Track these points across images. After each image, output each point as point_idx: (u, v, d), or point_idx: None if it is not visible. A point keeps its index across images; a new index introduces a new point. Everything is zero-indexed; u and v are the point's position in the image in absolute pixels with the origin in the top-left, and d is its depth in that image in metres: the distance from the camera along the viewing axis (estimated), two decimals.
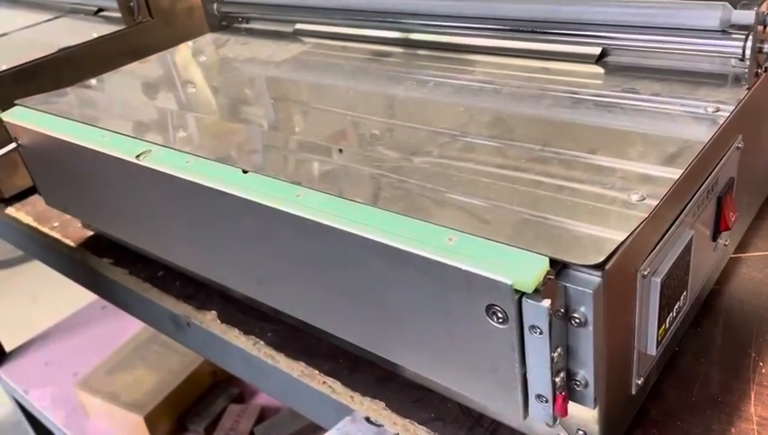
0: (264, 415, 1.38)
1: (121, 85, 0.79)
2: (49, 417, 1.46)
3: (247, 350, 0.64)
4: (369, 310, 0.47)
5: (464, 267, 0.38)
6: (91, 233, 0.85)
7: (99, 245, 0.82)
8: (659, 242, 0.44)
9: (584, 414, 0.44)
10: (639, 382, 0.47)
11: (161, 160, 0.56)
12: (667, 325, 0.47)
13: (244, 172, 0.52)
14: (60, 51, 0.94)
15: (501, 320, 0.38)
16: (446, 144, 0.53)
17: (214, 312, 0.68)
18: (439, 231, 0.42)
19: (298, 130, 0.61)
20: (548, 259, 0.37)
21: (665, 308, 0.46)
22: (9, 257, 2.63)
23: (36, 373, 1.56)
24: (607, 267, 0.38)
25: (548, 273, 0.37)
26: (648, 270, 0.43)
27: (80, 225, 0.86)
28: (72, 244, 0.84)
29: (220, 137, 0.61)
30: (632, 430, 0.49)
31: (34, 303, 2.38)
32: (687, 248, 0.47)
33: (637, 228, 0.40)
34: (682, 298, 0.49)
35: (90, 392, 1.38)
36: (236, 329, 0.66)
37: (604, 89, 0.59)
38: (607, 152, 0.49)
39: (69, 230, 0.87)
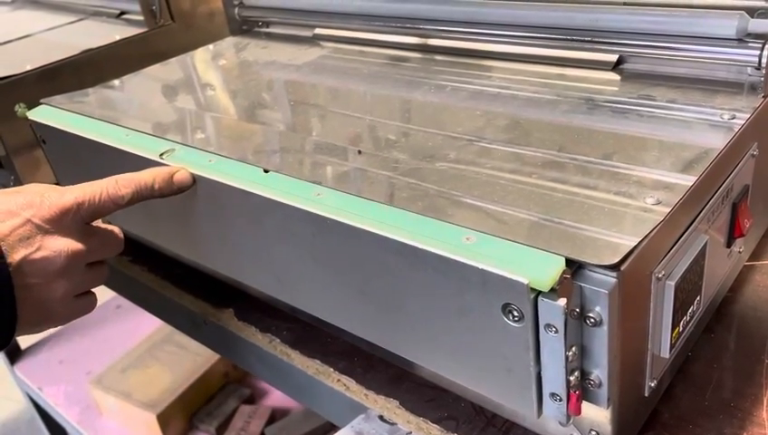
0: (274, 416, 1.39)
1: (144, 86, 0.81)
2: (62, 414, 1.48)
3: (263, 347, 0.65)
4: (386, 308, 0.47)
5: (481, 266, 0.39)
6: None
7: None
8: (674, 246, 0.45)
9: (597, 415, 0.45)
10: (652, 385, 0.47)
11: (184, 159, 0.57)
12: (681, 329, 0.48)
13: (265, 172, 0.53)
14: (82, 52, 0.95)
15: (517, 319, 0.39)
16: (463, 148, 0.54)
17: (231, 310, 0.70)
18: (457, 230, 0.43)
19: (317, 133, 0.62)
20: (564, 259, 0.38)
21: (679, 312, 0.46)
22: None
23: (50, 371, 1.58)
24: (622, 268, 0.38)
25: (564, 272, 0.37)
26: (663, 273, 0.43)
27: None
28: None
29: (241, 137, 0.62)
30: (644, 433, 0.50)
31: None
32: (702, 253, 0.47)
33: (652, 231, 0.41)
34: (696, 303, 0.49)
35: (103, 390, 1.39)
36: (253, 327, 0.67)
37: (620, 95, 0.60)
38: (622, 157, 0.49)
39: None
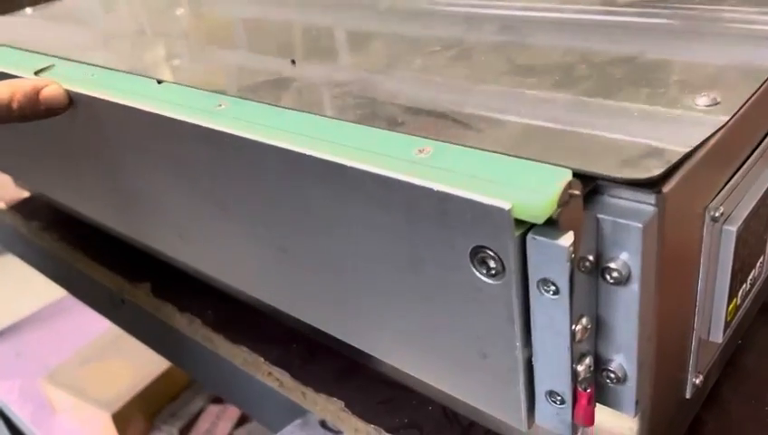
0: (245, 418, 1.24)
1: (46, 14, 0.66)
2: (15, 411, 1.34)
3: (182, 330, 0.51)
4: (312, 268, 0.33)
5: (436, 187, 0.24)
6: (27, 194, 0.72)
7: (31, 206, 0.70)
8: (735, 175, 0.30)
9: (617, 425, 0.30)
10: (697, 382, 0.33)
11: (64, 76, 0.43)
12: (739, 301, 0.33)
13: (159, 82, 0.39)
14: None
15: (494, 271, 0.24)
16: (436, 54, 0.40)
17: (148, 284, 0.55)
18: (406, 141, 0.28)
19: (238, 42, 0.48)
20: (570, 172, 0.23)
21: (738, 274, 0.31)
22: None
23: (6, 365, 1.44)
24: (665, 189, 0.24)
25: (570, 185, 0.23)
26: (722, 211, 0.28)
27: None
28: (2, 205, 0.71)
29: (139, 49, 0.48)
30: None
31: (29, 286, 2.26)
32: None
33: (710, 138, 0.26)
34: (758, 265, 0.34)
35: (56, 387, 1.25)
36: (170, 304, 0.52)
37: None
38: (659, 53, 0.35)
39: (3, 191, 0.74)
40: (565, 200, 0.22)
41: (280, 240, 0.34)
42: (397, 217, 0.26)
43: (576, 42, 0.38)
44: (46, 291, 1.55)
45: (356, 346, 0.34)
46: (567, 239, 0.23)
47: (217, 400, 1.28)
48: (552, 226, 0.23)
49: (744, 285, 0.33)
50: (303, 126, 0.31)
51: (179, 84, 0.38)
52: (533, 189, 0.23)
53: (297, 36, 0.48)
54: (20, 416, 1.33)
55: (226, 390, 0.51)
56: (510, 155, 0.25)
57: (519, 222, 0.23)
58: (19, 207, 0.70)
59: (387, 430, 0.39)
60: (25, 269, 0.77)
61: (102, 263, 0.59)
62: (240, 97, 0.35)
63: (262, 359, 0.46)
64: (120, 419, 1.19)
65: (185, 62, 0.44)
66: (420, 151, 0.27)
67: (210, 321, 0.50)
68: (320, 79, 0.37)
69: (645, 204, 0.24)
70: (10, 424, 1.49)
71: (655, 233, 0.24)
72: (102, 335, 1.38)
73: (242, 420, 1.24)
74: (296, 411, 0.44)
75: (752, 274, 0.34)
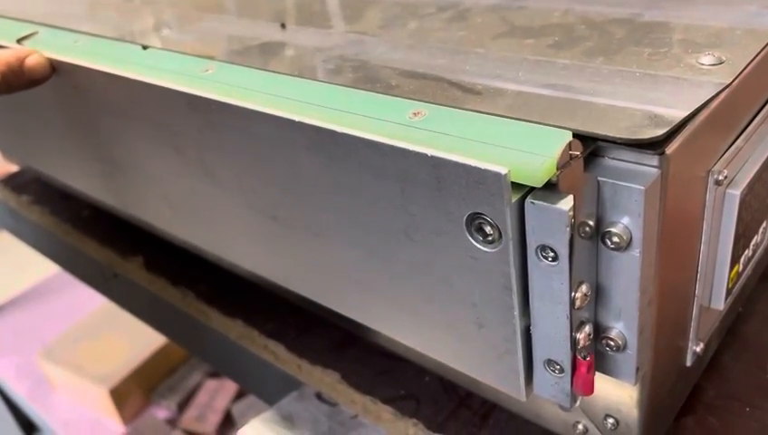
0: (242, 392, 1.24)
1: None
2: (13, 388, 1.34)
3: (175, 304, 0.50)
4: (305, 237, 0.32)
5: (430, 153, 0.23)
6: (16, 168, 0.71)
7: (20, 180, 0.68)
8: (739, 138, 0.29)
9: (618, 394, 0.30)
10: (698, 350, 0.32)
11: (48, 43, 0.42)
12: (741, 268, 0.32)
13: (144, 48, 0.37)
14: None
15: (490, 238, 0.23)
16: (431, 15, 0.38)
17: (140, 257, 0.54)
18: (400, 104, 0.27)
19: (226, 7, 0.46)
20: (570, 133, 0.23)
21: (740, 240, 0.31)
22: None
23: (2, 342, 1.44)
24: (668, 151, 0.23)
25: (570, 146, 0.22)
26: (725, 174, 0.28)
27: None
28: None
29: (125, 15, 0.46)
30: (682, 418, 0.35)
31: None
32: None
33: (714, 99, 0.25)
34: (761, 231, 0.34)
35: (53, 363, 1.25)
36: (163, 278, 0.52)
37: None
38: (659, 15, 0.33)
39: None
40: (565, 162, 0.22)
41: (271, 209, 0.33)
42: (390, 184, 0.25)
43: (575, 3, 0.37)
44: (41, 268, 1.54)
45: (351, 317, 0.33)
46: (567, 203, 0.22)
47: (215, 374, 1.29)
48: (551, 190, 0.22)
49: (747, 251, 0.33)
50: (293, 91, 0.30)
51: (165, 49, 0.37)
52: (532, 152, 0.22)
53: (288, 1, 0.46)
54: (18, 392, 1.33)
55: (221, 363, 0.50)
56: (507, 117, 0.24)
57: (517, 186, 0.22)
58: (8, 181, 0.69)
59: (383, 402, 0.39)
60: (19, 246, 0.77)
61: (94, 237, 0.58)
62: (227, 62, 0.34)
63: (256, 332, 0.45)
64: (117, 394, 1.19)
65: (171, 26, 0.43)
66: (415, 115, 0.26)
67: (203, 294, 0.49)
68: (310, 42, 0.36)
69: (647, 166, 0.23)
70: (8, 401, 1.49)
71: (657, 196, 0.23)
72: (98, 310, 1.38)
73: (240, 394, 1.24)
74: (292, 384, 0.43)
75: (754, 240, 0.33)
